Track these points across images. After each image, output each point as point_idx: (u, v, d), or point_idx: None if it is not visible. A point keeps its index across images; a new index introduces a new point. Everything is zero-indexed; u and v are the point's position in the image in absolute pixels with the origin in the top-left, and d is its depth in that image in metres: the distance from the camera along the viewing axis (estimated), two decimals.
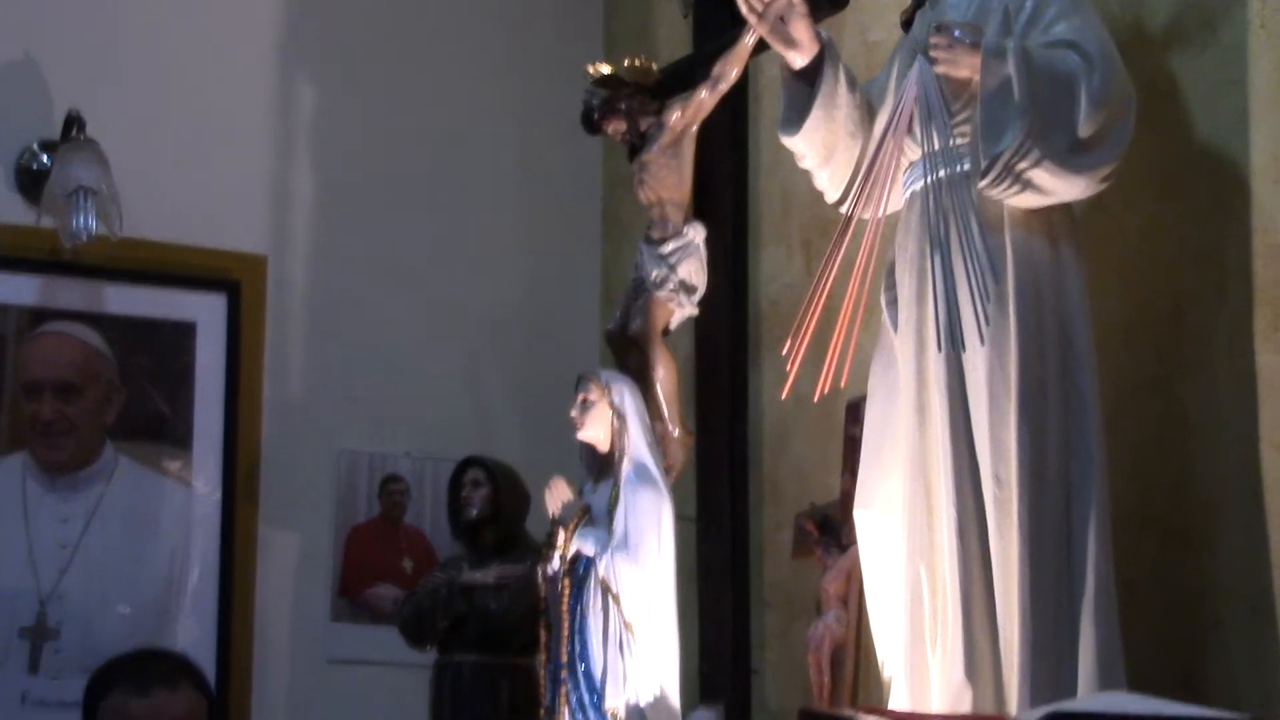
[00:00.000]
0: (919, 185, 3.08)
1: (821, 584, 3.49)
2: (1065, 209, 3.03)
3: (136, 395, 4.40)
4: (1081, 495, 2.93)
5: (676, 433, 3.63)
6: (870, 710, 2.96)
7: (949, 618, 2.96)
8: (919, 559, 3.02)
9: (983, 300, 2.92)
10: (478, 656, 3.85)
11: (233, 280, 4.50)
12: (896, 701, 3.02)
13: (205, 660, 4.15)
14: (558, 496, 3.54)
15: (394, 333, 4.63)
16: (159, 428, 4.41)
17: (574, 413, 3.52)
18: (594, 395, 3.51)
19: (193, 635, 4.31)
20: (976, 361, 2.95)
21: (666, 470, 3.54)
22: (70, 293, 4.37)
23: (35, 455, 4.31)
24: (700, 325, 3.73)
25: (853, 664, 3.40)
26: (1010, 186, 2.93)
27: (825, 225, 3.68)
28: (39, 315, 4.35)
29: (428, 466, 4.52)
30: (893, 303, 3.15)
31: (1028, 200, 2.96)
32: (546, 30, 4.81)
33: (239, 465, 4.43)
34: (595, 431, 3.51)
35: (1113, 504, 2.96)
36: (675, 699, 3.37)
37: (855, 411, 3.54)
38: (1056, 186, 2.94)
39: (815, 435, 3.86)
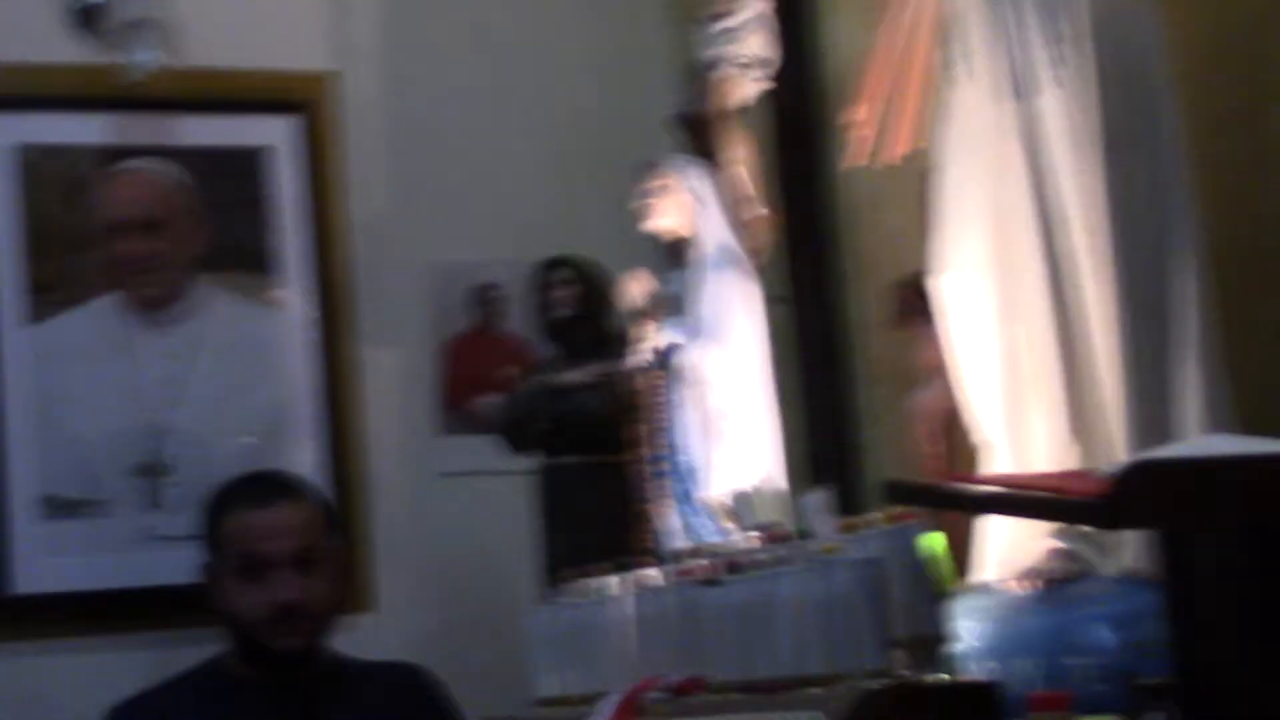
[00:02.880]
0: None
1: (923, 353, 3.46)
2: None
3: (221, 226, 4.42)
4: (1174, 235, 2.87)
5: (760, 212, 3.60)
6: (960, 477, 2.95)
7: (1046, 375, 2.94)
8: (1009, 319, 2.99)
9: (1053, 41, 2.87)
10: (580, 457, 3.87)
11: (306, 100, 4.49)
12: (1000, 465, 3.00)
13: (321, 483, 4.23)
14: (641, 287, 3.55)
15: (473, 137, 4.61)
16: (247, 257, 4.44)
17: (647, 200, 3.52)
18: (667, 181, 3.50)
19: (306, 460, 4.37)
20: (1052, 106, 2.90)
21: (753, 252, 3.53)
22: (142, 128, 4.38)
23: (130, 294, 4.36)
24: (774, 99, 3.68)
25: (963, 432, 3.38)
26: None
27: None
28: (113, 154, 4.37)
29: (521, 270, 4.52)
30: (962, 55, 3.08)
31: None
32: None
33: (331, 288, 4.47)
34: (671, 219, 3.50)
35: (1213, 245, 2.90)
36: (779, 482, 3.39)
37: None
38: None
39: (905, 203, 3.80)
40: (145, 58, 4.19)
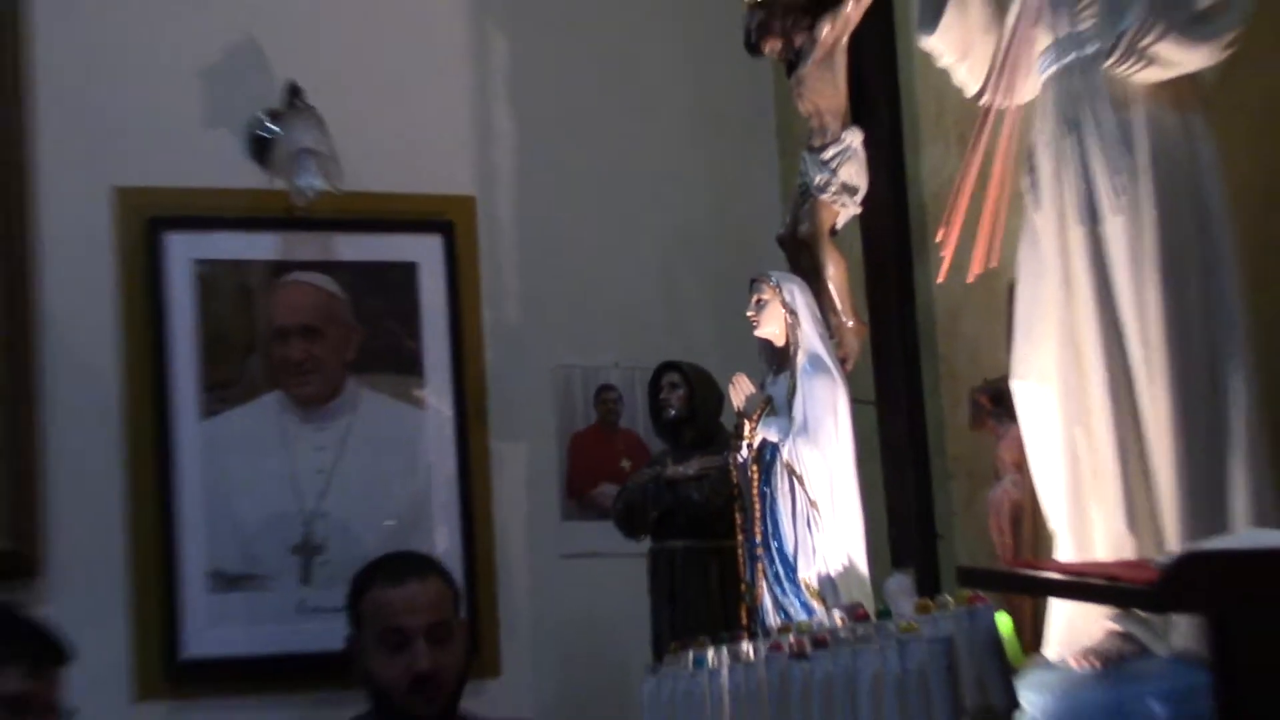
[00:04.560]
0: (1051, 71, 3.03)
1: (997, 452, 3.45)
2: (1192, 79, 2.92)
3: (371, 332, 4.50)
4: (1226, 351, 2.85)
5: (850, 324, 3.62)
6: (1026, 564, 2.94)
7: (1106, 474, 2.92)
8: (1075, 422, 2.98)
9: (1115, 173, 2.88)
10: (686, 542, 3.88)
11: (446, 221, 4.56)
12: (1062, 554, 2.99)
13: (454, 563, 4.27)
14: (741, 391, 3.57)
15: (595, 255, 4.67)
16: (394, 360, 4.51)
17: (750, 312, 3.55)
18: (767, 295, 3.52)
19: (443, 543, 4.42)
20: (1115, 231, 2.90)
21: (842, 359, 3.54)
22: (305, 245, 4.48)
23: (288, 392, 4.44)
24: (865, 223, 3.71)
25: (1031, 524, 3.36)
26: (1135, 63, 2.85)
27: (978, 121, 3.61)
28: (280, 268, 4.47)
29: (635, 375, 4.55)
30: (1033, 184, 3.10)
31: (1154, 74, 2.86)
32: None
33: (468, 388, 4.51)
34: (771, 328, 3.53)
35: (1264, 358, 2.88)
36: (863, 567, 3.38)
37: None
38: (1180, 58, 2.84)
39: (983, 317, 3.80)
40: (309, 183, 4.28)
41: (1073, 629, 2.93)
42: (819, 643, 2.83)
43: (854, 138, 3.63)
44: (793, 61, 3.70)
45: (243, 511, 4.35)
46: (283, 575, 4.34)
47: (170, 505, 4.27)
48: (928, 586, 3.33)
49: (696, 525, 3.86)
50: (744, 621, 3.50)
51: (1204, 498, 2.81)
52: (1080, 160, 2.93)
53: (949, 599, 2.68)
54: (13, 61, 4.25)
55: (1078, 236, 2.95)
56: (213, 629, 4.26)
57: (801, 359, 3.45)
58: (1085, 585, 2.47)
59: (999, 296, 3.58)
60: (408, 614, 3.76)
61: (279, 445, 4.40)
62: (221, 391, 4.38)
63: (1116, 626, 2.84)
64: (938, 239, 3.22)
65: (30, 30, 4.30)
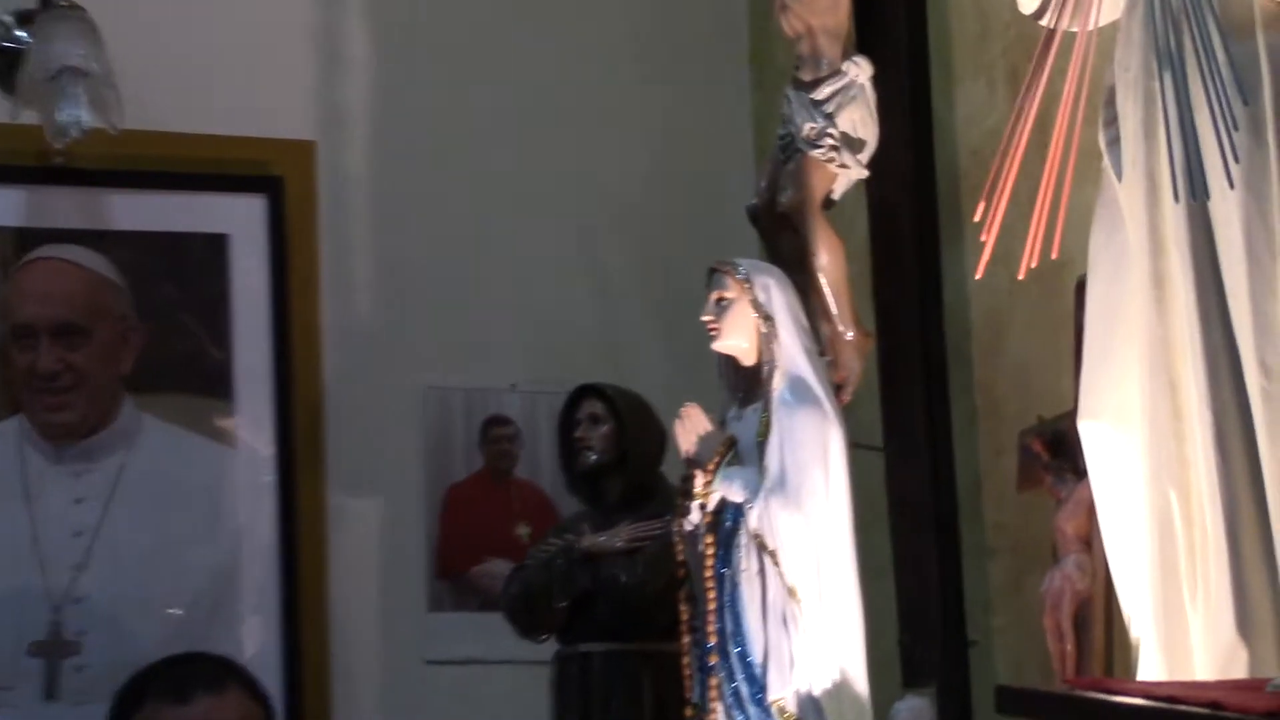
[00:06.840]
0: None
1: (1056, 522, 3.49)
2: None
3: (160, 333, 4.52)
4: None
5: (849, 335, 3.64)
6: (1095, 685, 2.97)
7: (1210, 555, 2.96)
8: (1166, 480, 3.01)
9: (1229, 129, 2.92)
10: (609, 644, 3.91)
11: (274, 176, 4.60)
12: (1147, 669, 3.02)
13: (270, 670, 4.27)
14: (692, 429, 3.58)
15: (487, 229, 4.71)
16: (191, 374, 4.53)
17: (707, 316, 3.56)
18: (731, 292, 3.53)
19: (255, 641, 4.43)
20: (1228, 211, 2.95)
21: (837, 386, 3.56)
22: (66, 205, 4.50)
23: (35, 419, 4.45)
24: (875, 191, 3.74)
25: (1103, 624, 3.40)
26: None
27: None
28: (28, 237, 4.48)
29: (541, 401, 4.58)
30: (1114, 142, 3.14)
31: None
32: None
33: (297, 417, 4.54)
34: (736, 339, 3.54)
35: None
36: (862, 684, 3.39)
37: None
38: None
39: (1039, 329, 3.85)
40: (73, 117, 4.26)
41: None
42: None
43: (860, 71, 3.66)
44: None
45: None
46: (18, 686, 4.34)
47: None
48: (955, 713, 3.36)
49: (624, 620, 3.89)
50: None
51: None
52: (1180, 109, 2.96)
53: None
54: None
55: (1176, 217, 3.00)
56: None
57: (779, 384, 3.48)
58: (1180, 715, 2.50)
59: (1062, 300, 3.64)
60: None
61: (17, 495, 4.41)
62: None
63: None
64: (976, 217, 3.25)
65: None
